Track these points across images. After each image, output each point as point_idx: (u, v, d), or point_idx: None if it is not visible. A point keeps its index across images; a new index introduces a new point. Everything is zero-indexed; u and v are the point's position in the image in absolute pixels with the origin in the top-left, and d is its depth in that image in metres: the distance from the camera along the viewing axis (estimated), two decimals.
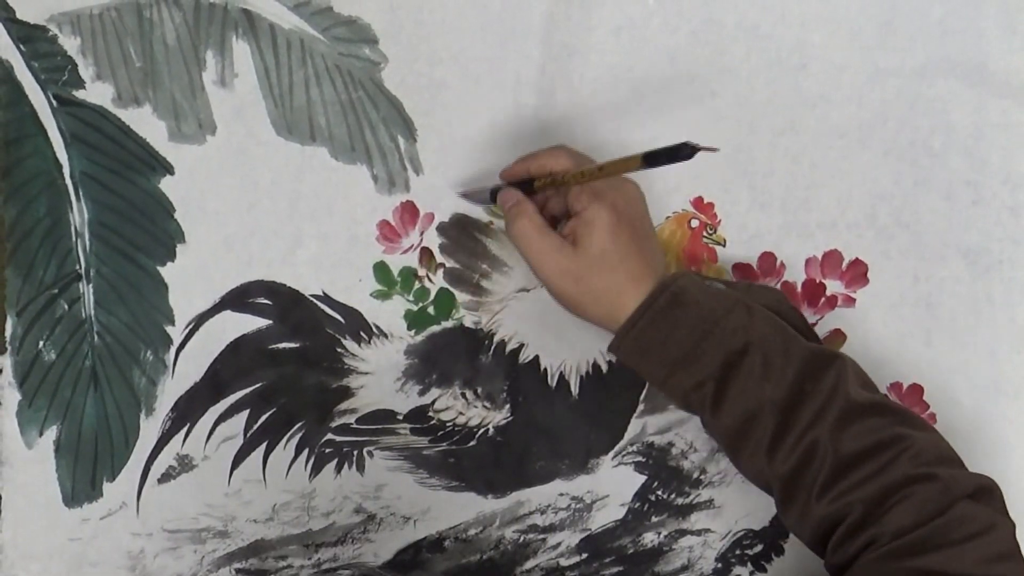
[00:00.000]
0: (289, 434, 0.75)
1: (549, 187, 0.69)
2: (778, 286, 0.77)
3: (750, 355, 0.66)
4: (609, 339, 0.69)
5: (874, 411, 0.65)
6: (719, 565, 0.77)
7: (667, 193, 0.77)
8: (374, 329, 0.76)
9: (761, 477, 0.68)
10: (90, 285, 0.75)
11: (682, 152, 0.56)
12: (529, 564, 0.77)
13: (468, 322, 0.76)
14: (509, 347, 0.76)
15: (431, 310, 0.76)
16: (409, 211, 0.76)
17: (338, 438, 0.75)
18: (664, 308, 0.66)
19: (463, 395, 0.76)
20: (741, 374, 0.66)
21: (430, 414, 0.76)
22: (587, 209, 0.67)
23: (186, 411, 0.75)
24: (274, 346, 0.75)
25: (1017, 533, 0.62)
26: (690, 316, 0.66)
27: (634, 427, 0.77)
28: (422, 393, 0.76)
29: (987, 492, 0.64)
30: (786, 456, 0.65)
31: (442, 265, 0.76)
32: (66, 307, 0.74)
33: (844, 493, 0.63)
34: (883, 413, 0.65)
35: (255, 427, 0.75)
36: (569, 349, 0.75)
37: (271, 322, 0.75)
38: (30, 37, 0.74)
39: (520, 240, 0.69)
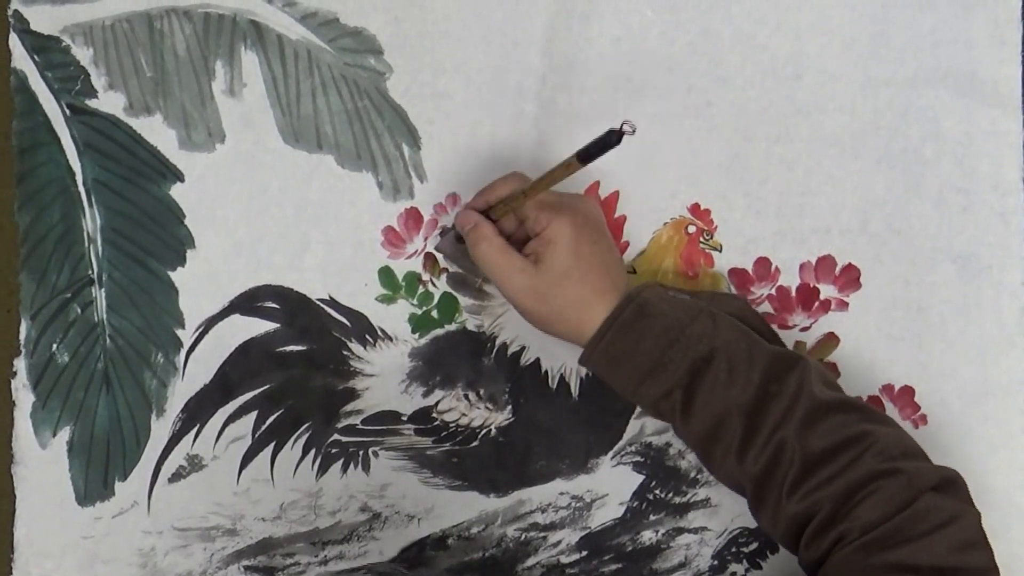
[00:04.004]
0: (296, 435, 0.76)
1: (507, 212, 0.70)
2: (773, 291, 0.78)
3: (715, 361, 0.66)
4: None
5: (839, 409, 0.66)
6: (715, 563, 0.78)
7: (664, 199, 0.78)
8: (379, 332, 0.77)
9: (733, 480, 0.69)
10: (102, 289, 0.76)
11: (610, 139, 0.59)
12: (530, 561, 0.77)
13: (471, 325, 0.77)
14: (511, 350, 0.77)
15: (435, 314, 0.77)
16: (413, 217, 0.77)
17: (344, 439, 0.77)
18: (630, 320, 0.67)
19: (466, 397, 0.77)
20: (707, 380, 0.66)
21: (434, 415, 0.77)
22: (547, 228, 0.68)
23: (196, 412, 0.76)
24: (282, 349, 0.76)
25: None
26: (655, 326, 0.67)
27: (633, 428, 0.77)
28: (426, 395, 0.77)
29: (951, 484, 0.64)
30: (756, 457, 0.66)
31: (445, 270, 0.77)
32: (79, 311, 0.76)
33: (813, 491, 0.64)
34: (847, 411, 0.66)
35: (263, 428, 0.76)
36: (569, 352, 0.75)
37: (279, 325, 0.76)
38: (44, 48, 0.75)
39: (483, 262, 0.70)
